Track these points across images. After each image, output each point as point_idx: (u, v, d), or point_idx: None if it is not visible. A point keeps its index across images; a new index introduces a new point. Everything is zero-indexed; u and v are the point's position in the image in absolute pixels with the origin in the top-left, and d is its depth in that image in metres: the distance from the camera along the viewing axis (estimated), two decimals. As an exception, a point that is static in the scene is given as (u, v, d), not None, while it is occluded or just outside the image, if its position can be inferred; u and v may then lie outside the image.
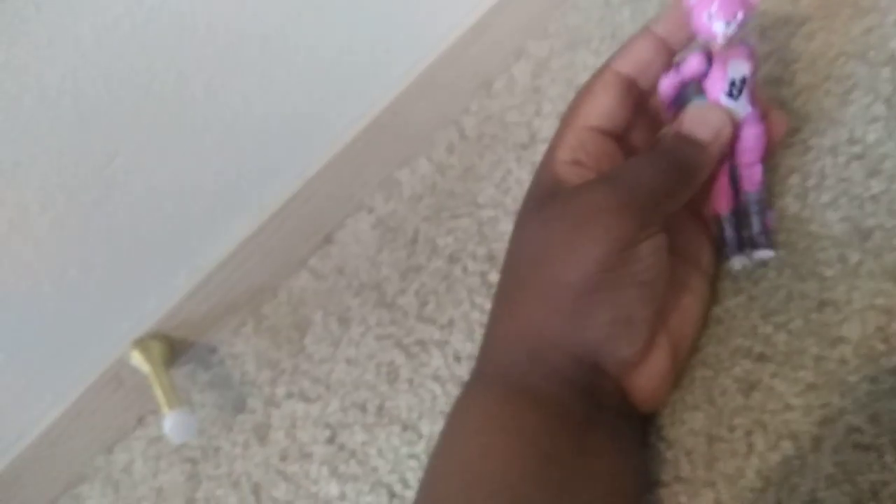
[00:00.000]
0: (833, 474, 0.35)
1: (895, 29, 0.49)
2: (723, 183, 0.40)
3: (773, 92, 0.49)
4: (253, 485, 0.52)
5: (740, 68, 0.37)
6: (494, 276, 0.52)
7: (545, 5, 0.65)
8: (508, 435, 0.33)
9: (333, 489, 0.48)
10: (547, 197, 0.37)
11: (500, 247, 0.53)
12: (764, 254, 0.41)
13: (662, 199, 0.35)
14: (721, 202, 0.41)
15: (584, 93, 0.40)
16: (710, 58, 0.38)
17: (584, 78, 0.59)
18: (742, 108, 0.38)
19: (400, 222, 0.58)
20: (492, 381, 0.36)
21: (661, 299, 0.36)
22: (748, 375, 0.39)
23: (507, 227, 0.53)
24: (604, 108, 0.38)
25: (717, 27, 0.36)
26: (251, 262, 0.59)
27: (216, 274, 0.58)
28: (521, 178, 0.55)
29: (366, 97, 0.60)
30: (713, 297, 0.42)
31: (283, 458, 0.51)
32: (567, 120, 0.40)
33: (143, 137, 0.51)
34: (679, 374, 0.40)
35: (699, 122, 0.37)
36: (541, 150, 0.56)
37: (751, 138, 0.39)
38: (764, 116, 0.40)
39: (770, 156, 0.42)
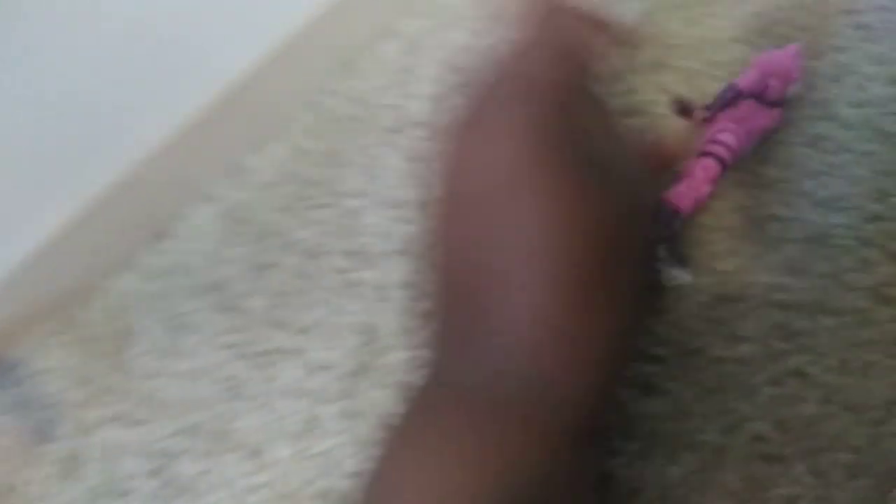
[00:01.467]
0: (738, 491, 0.31)
1: (782, 13, 0.47)
2: (700, 178, 0.36)
3: (656, 77, 0.46)
4: (57, 532, 0.42)
5: None
6: (358, 275, 0.45)
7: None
8: None
9: (159, 533, 0.39)
10: None
11: (366, 241, 0.46)
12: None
13: None
14: (689, 200, 0.37)
15: None
16: None
17: (460, 58, 0.54)
18: None
19: (249, 214, 0.50)
20: None
21: None
22: (644, 379, 0.35)
23: (374, 219, 0.47)
24: None
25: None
26: (64, 259, 0.49)
27: (20, 274, 0.48)
28: (390, 166, 0.49)
29: (210, 71, 0.52)
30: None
31: (96, 496, 0.41)
32: None
33: None
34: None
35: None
36: (414, 134, 0.51)
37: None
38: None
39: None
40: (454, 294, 0.27)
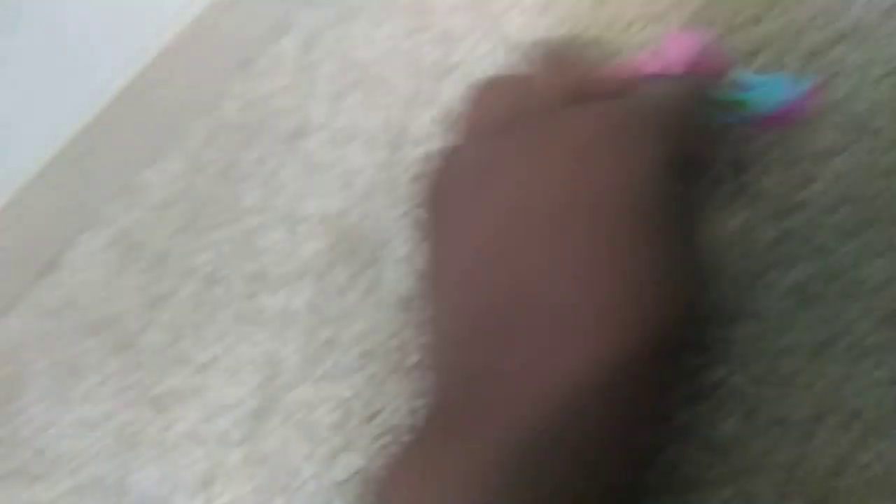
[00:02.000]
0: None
1: None
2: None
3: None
4: None
5: None
6: (260, 301, 0.42)
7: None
8: None
9: None
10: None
11: (268, 262, 0.43)
12: None
13: None
14: None
15: None
16: None
17: (363, 52, 0.51)
18: None
19: (143, 238, 0.46)
20: None
21: None
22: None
23: (275, 237, 0.44)
24: None
25: None
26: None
27: None
28: (294, 175, 0.46)
29: (93, 80, 0.47)
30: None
31: (-9, 565, 0.38)
32: None
33: None
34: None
35: None
36: (316, 138, 0.47)
37: None
38: None
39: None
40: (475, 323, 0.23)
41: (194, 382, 0.40)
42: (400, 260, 0.40)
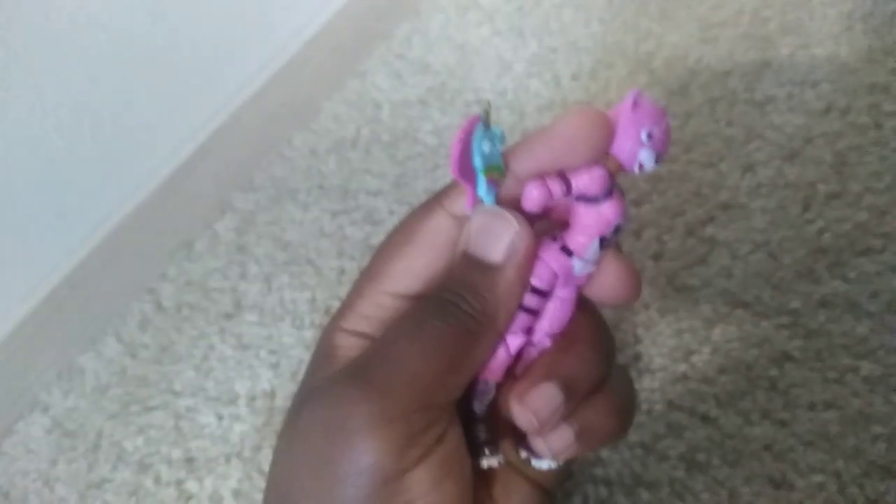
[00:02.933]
0: None
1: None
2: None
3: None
4: None
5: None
6: (192, 485, 0.43)
7: (250, 154, 0.60)
8: None
9: None
10: (312, 389, 0.25)
11: (201, 445, 0.44)
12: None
13: (441, 381, 0.23)
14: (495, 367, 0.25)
15: (397, 240, 0.26)
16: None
17: (291, 234, 0.54)
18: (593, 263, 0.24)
19: (80, 422, 0.47)
20: None
21: None
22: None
23: (208, 418, 0.45)
24: (420, 268, 0.25)
25: (645, 157, 0.22)
26: None
27: None
28: (225, 356, 0.48)
29: (37, 266, 0.50)
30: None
31: None
32: (369, 273, 0.26)
33: None
34: None
35: (488, 233, 0.24)
36: (247, 319, 0.50)
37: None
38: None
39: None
40: None
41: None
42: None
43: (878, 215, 0.42)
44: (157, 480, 0.44)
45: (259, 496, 0.41)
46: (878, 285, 0.39)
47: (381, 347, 0.24)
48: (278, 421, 0.44)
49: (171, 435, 0.45)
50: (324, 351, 0.26)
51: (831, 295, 0.39)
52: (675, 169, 0.47)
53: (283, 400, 0.45)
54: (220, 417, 0.45)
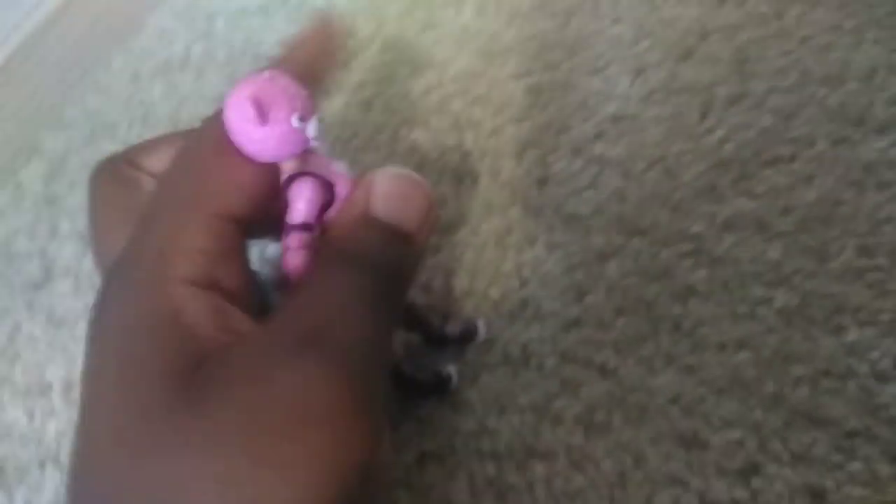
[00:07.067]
0: None
1: (455, 85, 0.42)
2: None
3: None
4: None
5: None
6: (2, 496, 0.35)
7: (57, 83, 0.49)
8: None
9: None
10: (173, 382, 0.18)
11: (8, 450, 0.36)
12: None
13: (382, 355, 0.21)
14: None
15: (210, 154, 0.21)
16: None
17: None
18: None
19: None
20: None
21: None
22: None
23: (14, 413, 0.37)
24: (250, 178, 0.21)
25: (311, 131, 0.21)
26: None
27: None
28: (35, 336, 0.39)
29: None
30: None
31: None
32: (186, 201, 0.21)
33: None
34: None
35: (402, 199, 0.22)
36: (59, 289, 0.41)
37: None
38: None
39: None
40: None
41: None
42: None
43: (784, 119, 0.37)
44: (-45, 498, 0.35)
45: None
46: (789, 200, 0.34)
47: (319, 305, 0.20)
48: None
49: (-29, 440, 0.37)
50: (161, 317, 0.19)
51: (737, 215, 0.34)
52: (557, 78, 0.40)
53: (108, 386, 0.37)
54: (30, 414, 0.37)
